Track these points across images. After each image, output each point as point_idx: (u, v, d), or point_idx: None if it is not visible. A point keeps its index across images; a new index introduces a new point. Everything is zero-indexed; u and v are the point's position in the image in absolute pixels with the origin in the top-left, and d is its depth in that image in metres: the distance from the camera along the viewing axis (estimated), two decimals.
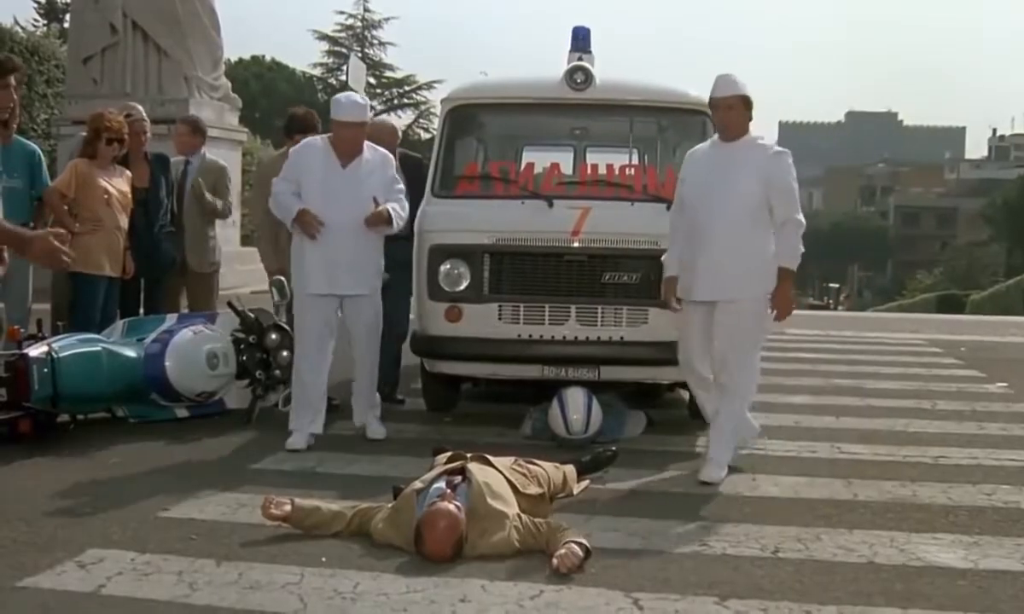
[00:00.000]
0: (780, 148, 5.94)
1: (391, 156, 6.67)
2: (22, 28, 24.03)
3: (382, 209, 6.31)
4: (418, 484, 4.73)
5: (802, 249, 5.81)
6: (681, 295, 5.95)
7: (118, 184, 7.44)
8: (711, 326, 5.84)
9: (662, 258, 6.13)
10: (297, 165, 6.48)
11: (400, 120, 43.97)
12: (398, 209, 6.44)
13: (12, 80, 6.76)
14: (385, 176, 6.49)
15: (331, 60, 46.46)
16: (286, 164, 6.65)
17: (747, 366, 5.91)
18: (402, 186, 6.60)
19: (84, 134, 7.53)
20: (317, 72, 47.22)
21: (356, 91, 27.10)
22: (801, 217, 5.82)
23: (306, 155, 6.49)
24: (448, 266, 6.74)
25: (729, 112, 5.81)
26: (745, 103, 5.82)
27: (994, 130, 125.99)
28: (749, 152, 5.83)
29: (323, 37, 46.82)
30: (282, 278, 7.14)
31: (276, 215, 6.61)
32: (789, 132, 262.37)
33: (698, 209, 5.84)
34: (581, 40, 7.34)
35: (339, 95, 6.68)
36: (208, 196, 8.37)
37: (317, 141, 6.60)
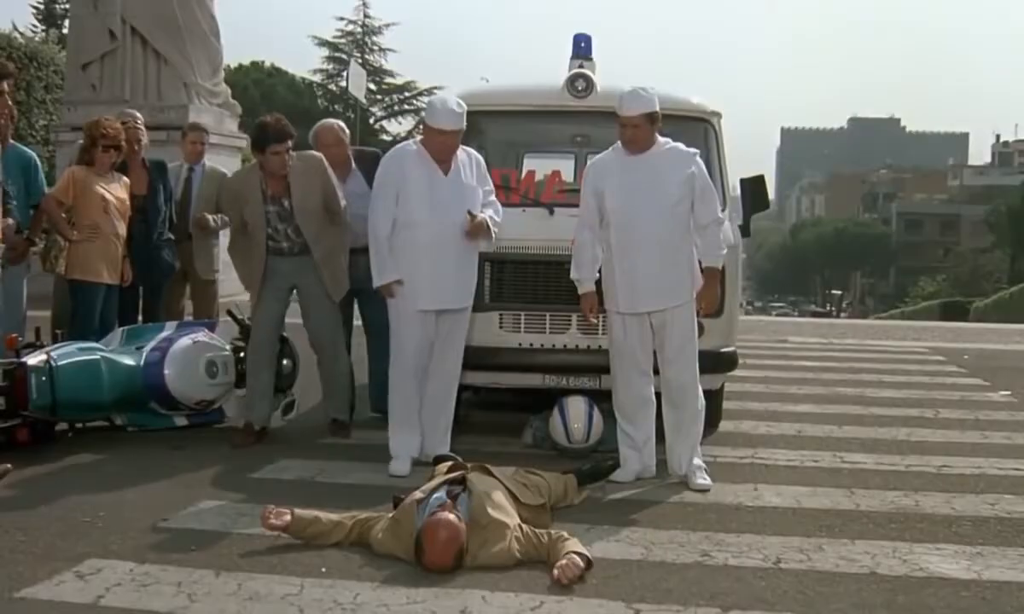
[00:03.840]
0: (692, 149, 5.99)
1: (477, 154, 6.31)
2: (21, 34, 24.13)
3: (482, 220, 6.06)
4: (418, 494, 4.70)
5: (724, 250, 5.97)
6: (621, 309, 5.92)
7: (116, 191, 7.42)
8: (648, 335, 5.93)
9: (572, 275, 6.09)
10: (392, 177, 6.11)
11: (400, 126, 43.99)
12: (494, 217, 6.18)
13: (5, 86, 6.71)
14: (479, 175, 6.22)
15: (331, 66, 46.58)
16: (378, 181, 6.22)
17: (696, 362, 5.98)
18: (492, 186, 6.33)
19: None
20: (317, 78, 47.33)
21: (357, 97, 27.00)
22: (721, 215, 6.00)
23: (402, 165, 6.13)
24: None
25: (636, 130, 5.82)
26: (651, 119, 5.81)
27: (997, 136, 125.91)
28: (668, 158, 5.88)
29: (323, 43, 46.98)
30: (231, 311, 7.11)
31: (371, 244, 6.13)
32: (791, 138, 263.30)
33: (628, 222, 5.84)
34: (582, 47, 7.32)
35: (434, 100, 6.31)
36: (211, 222, 8.33)
37: (410, 147, 6.27)
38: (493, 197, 6.28)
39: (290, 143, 6.60)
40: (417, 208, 6.02)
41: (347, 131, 7.46)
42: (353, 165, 7.27)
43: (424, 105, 6.36)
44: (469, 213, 6.03)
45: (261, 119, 6.85)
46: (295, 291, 6.85)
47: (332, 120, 7.57)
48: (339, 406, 7.02)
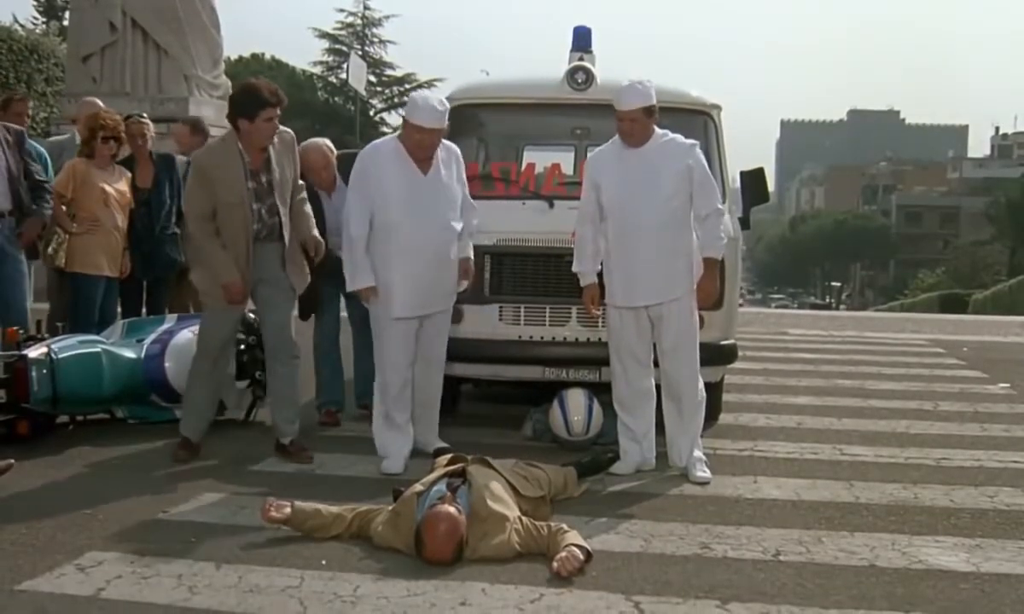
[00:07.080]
0: (691, 140, 5.94)
1: (456, 148, 6.07)
2: (21, 26, 24.12)
3: (468, 265, 6.11)
4: (418, 486, 4.71)
5: (724, 241, 5.90)
6: (618, 303, 5.92)
7: (116, 184, 7.43)
8: (646, 328, 5.91)
9: (574, 268, 6.07)
10: (368, 175, 5.87)
11: (400, 118, 43.89)
12: (469, 226, 6.07)
13: None
14: (459, 175, 6.02)
15: (331, 58, 46.44)
16: (354, 179, 5.95)
17: (696, 354, 5.96)
18: (466, 185, 6.11)
19: (57, 137, 7.53)
20: (317, 70, 47.21)
21: (357, 89, 26.90)
22: (721, 206, 5.94)
23: (379, 163, 5.90)
24: None
25: (634, 124, 5.79)
26: (647, 112, 5.77)
27: (997, 128, 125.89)
28: (665, 150, 5.84)
29: (323, 35, 46.81)
30: None
31: (345, 254, 5.94)
32: (791, 131, 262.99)
33: (624, 215, 5.82)
34: (582, 39, 7.31)
35: (416, 96, 6.06)
36: None
37: (389, 144, 6.03)
38: (470, 201, 6.11)
39: (279, 110, 5.97)
40: (394, 210, 5.81)
41: (334, 150, 7.04)
42: (339, 180, 6.91)
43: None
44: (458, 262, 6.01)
45: (249, 82, 6.15)
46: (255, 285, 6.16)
47: (319, 140, 7.06)
48: (289, 424, 6.28)
